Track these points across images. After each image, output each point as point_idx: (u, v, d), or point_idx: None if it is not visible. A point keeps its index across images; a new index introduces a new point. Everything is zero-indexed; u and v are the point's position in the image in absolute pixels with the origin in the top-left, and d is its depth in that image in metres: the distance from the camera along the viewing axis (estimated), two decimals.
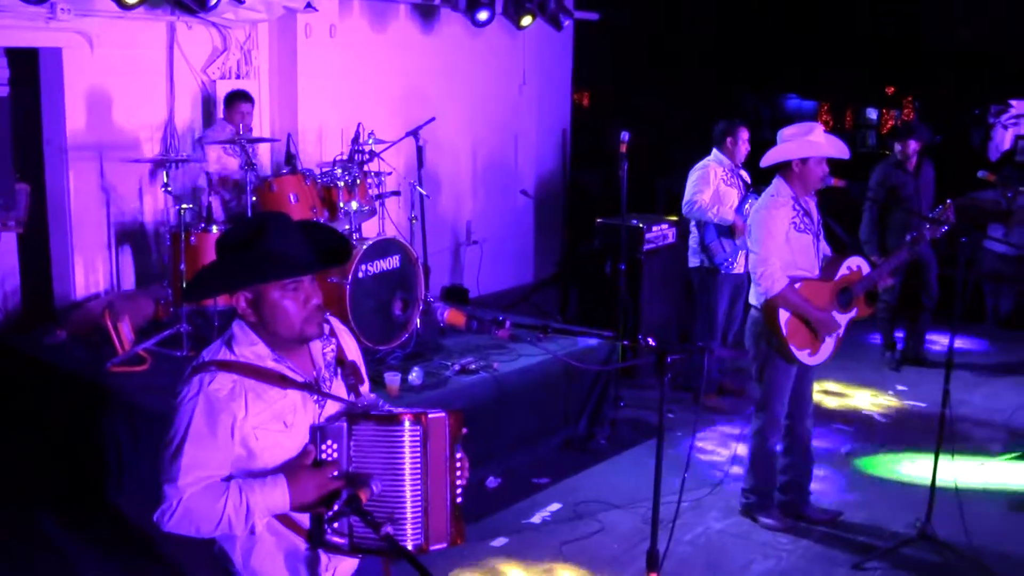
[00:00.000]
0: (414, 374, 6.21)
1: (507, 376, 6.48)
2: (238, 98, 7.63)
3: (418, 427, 2.76)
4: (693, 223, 7.58)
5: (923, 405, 7.78)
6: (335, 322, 3.08)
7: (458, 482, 2.90)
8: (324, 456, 2.78)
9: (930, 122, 10.99)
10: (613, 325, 7.66)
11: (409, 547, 2.74)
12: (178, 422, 2.71)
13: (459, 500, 2.91)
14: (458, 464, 2.90)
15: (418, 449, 2.76)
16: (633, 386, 7.82)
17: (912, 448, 6.86)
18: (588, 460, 6.74)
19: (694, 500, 6.00)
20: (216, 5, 7.46)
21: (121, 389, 6.03)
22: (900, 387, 8.27)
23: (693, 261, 7.66)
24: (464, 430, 2.96)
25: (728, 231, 7.34)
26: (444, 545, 2.84)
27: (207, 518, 2.67)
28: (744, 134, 7.55)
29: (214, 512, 2.66)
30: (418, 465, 2.76)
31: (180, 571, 5.17)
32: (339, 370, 2.99)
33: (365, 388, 3.10)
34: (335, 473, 2.76)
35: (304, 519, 2.81)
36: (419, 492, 2.76)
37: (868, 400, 7.98)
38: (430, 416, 2.81)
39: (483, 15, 9.80)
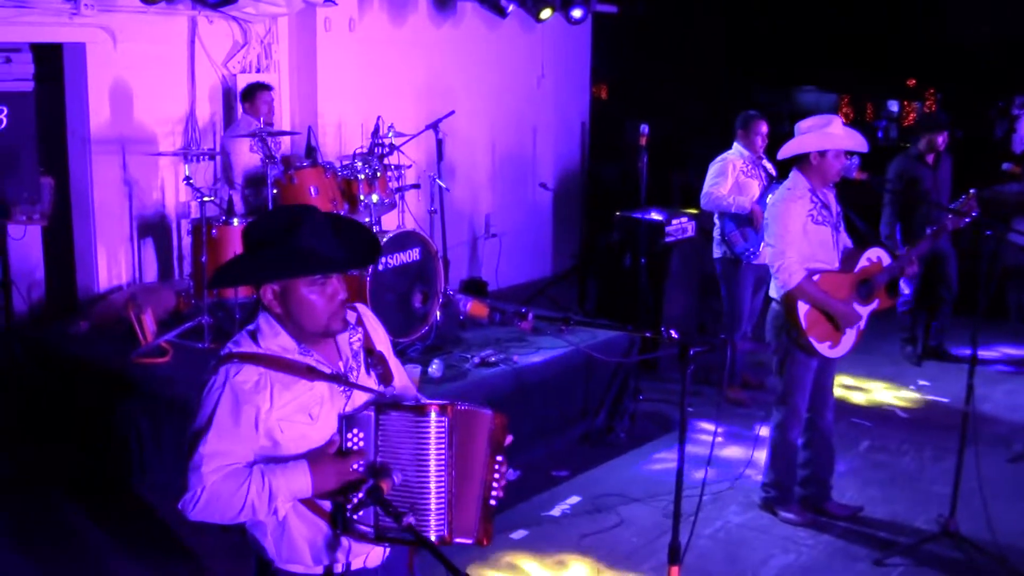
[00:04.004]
0: (434, 366, 6.23)
1: (526, 369, 6.49)
2: (260, 89, 7.68)
3: (444, 418, 2.78)
4: (716, 215, 7.57)
5: (945, 400, 7.74)
6: (363, 310, 3.07)
7: (494, 485, 2.93)
8: (350, 445, 2.79)
9: (953, 114, 10.91)
10: (632, 318, 7.66)
11: (432, 537, 2.76)
12: (203, 412, 2.73)
13: (492, 503, 2.93)
14: (497, 467, 2.93)
15: (444, 440, 2.77)
16: (653, 379, 7.82)
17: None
18: (607, 453, 6.75)
19: (713, 494, 6.00)
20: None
21: (144, 380, 6.08)
22: (922, 382, 8.23)
23: (717, 252, 7.64)
24: (509, 437, 2.98)
25: (748, 221, 7.32)
26: (470, 541, 2.86)
27: (231, 504, 2.69)
28: (762, 127, 7.52)
29: (237, 497, 2.68)
30: (443, 456, 2.77)
31: (201, 560, 5.22)
32: (368, 360, 2.99)
33: (399, 380, 3.09)
34: (358, 462, 2.76)
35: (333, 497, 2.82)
36: (443, 483, 2.78)
37: (889, 395, 7.94)
38: (458, 407, 2.83)
39: (510, 7, 9.83)
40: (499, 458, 2.96)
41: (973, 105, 15.25)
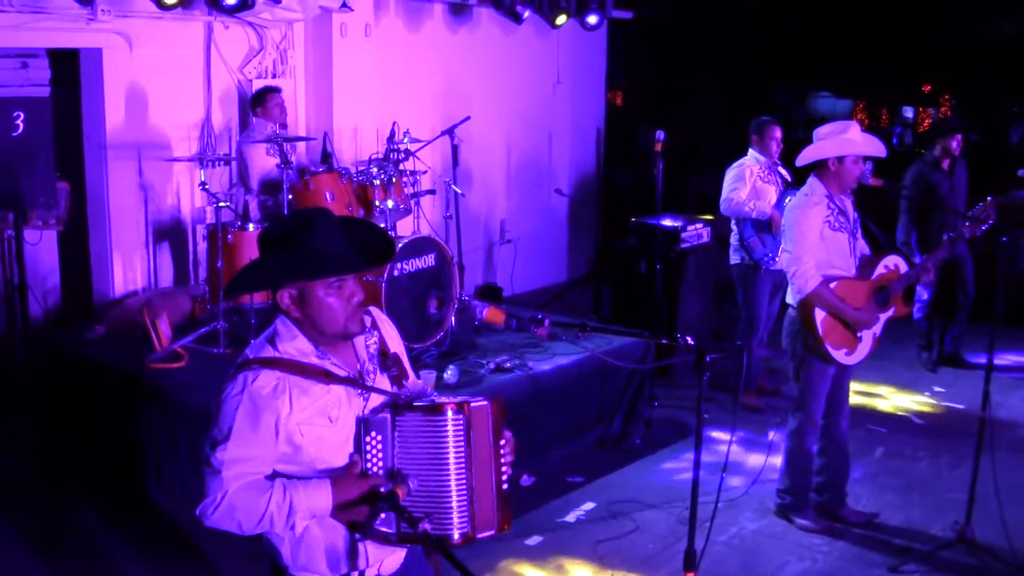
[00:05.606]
0: (449, 372, 6.23)
1: (542, 375, 6.48)
2: (270, 92, 7.67)
3: (461, 416, 2.79)
4: (733, 220, 7.55)
5: (961, 407, 7.70)
6: (377, 313, 3.08)
7: (503, 468, 2.93)
8: (368, 448, 2.80)
9: (968, 120, 10.87)
10: (647, 324, 7.65)
11: (456, 536, 2.78)
12: (223, 419, 2.73)
13: (505, 487, 2.93)
14: (503, 446, 2.93)
15: (462, 438, 2.78)
16: (668, 385, 7.81)
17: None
18: (622, 459, 6.73)
19: (729, 500, 5.97)
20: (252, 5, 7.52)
21: (159, 385, 6.08)
22: (937, 388, 8.19)
23: (734, 258, 7.62)
24: (507, 433, 2.99)
25: (767, 227, 7.31)
26: (492, 532, 2.87)
27: (250, 514, 2.69)
28: (776, 132, 7.52)
29: (257, 508, 2.68)
30: (462, 454, 2.78)
31: (213, 566, 5.23)
32: (382, 361, 3.00)
33: (411, 381, 3.09)
34: (378, 467, 2.78)
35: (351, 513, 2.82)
36: (464, 481, 2.79)
37: (905, 401, 7.91)
38: (473, 405, 2.84)
39: (525, 13, 9.85)
40: (502, 441, 2.95)
41: (989, 111, 15.21)
